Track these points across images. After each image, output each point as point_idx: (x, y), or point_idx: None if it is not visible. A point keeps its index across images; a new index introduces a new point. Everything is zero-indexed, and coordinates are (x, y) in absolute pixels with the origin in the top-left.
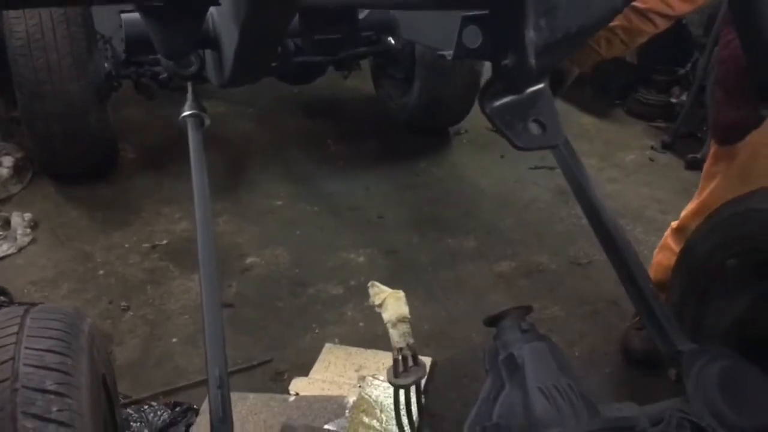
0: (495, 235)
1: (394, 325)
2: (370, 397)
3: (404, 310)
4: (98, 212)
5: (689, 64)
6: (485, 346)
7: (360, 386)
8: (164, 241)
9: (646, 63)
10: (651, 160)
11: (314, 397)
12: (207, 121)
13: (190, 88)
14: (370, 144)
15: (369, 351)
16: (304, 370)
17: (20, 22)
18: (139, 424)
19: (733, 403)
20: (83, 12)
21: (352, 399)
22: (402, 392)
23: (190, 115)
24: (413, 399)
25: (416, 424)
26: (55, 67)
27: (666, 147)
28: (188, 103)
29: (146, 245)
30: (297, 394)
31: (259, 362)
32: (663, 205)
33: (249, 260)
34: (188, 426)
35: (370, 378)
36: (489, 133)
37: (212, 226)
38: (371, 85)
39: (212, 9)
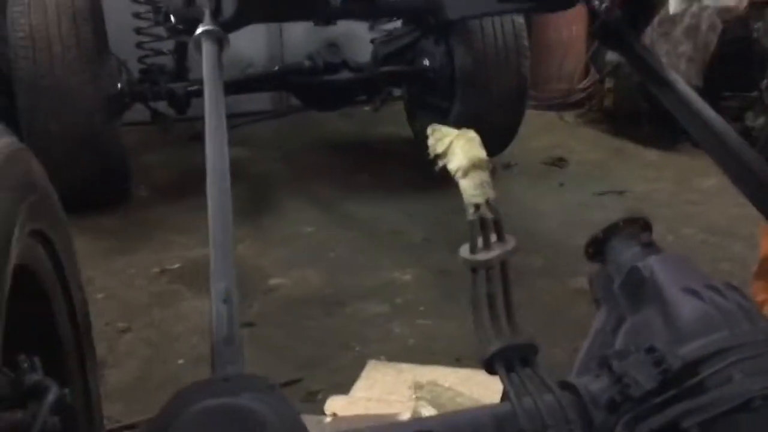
0: (565, 253)
1: (465, 174)
2: (431, 406)
3: (479, 152)
4: (103, 241)
5: (765, 82)
6: (591, 272)
7: (416, 397)
8: (176, 266)
9: (712, 87)
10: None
11: (357, 416)
12: (227, 47)
13: (207, 11)
14: (408, 175)
15: (425, 367)
16: (343, 390)
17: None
18: None
19: None
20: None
21: (406, 416)
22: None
23: (204, 33)
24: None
25: (503, 318)
26: (58, 60)
27: None
28: (204, 20)
29: (155, 270)
30: (335, 414)
31: (286, 381)
32: (759, 221)
33: (273, 281)
34: None
35: (431, 386)
36: (542, 165)
37: (225, 131)
38: (406, 127)
39: None
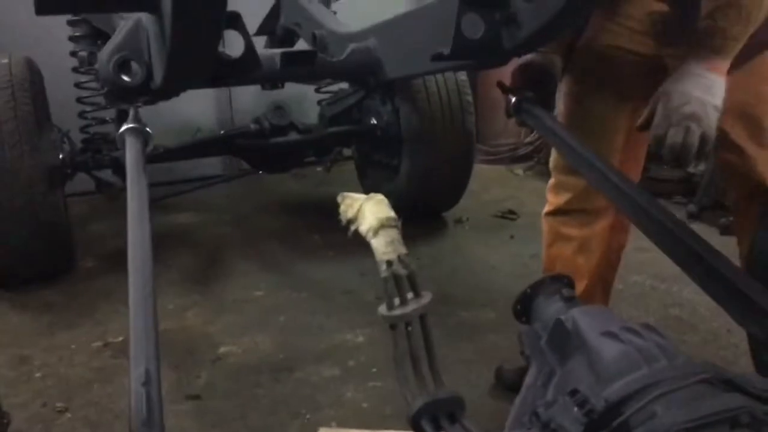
0: None
1: (375, 233)
2: None
3: (387, 212)
4: (44, 316)
5: None
6: (520, 329)
7: None
8: (119, 338)
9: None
10: None
11: None
12: (152, 143)
13: (132, 110)
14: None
15: None
16: None
17: None
18: None
19: None
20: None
21: None
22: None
23: (129, 130)
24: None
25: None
26: None
27: (693, 217)
28: (129, 119)
29: (97, 344)
30: None
31: None
32: None
33: (222, 349)
34: None
35: None
36: (493, 219)
37: (148, 225)
38: (358, 186)
39: None
